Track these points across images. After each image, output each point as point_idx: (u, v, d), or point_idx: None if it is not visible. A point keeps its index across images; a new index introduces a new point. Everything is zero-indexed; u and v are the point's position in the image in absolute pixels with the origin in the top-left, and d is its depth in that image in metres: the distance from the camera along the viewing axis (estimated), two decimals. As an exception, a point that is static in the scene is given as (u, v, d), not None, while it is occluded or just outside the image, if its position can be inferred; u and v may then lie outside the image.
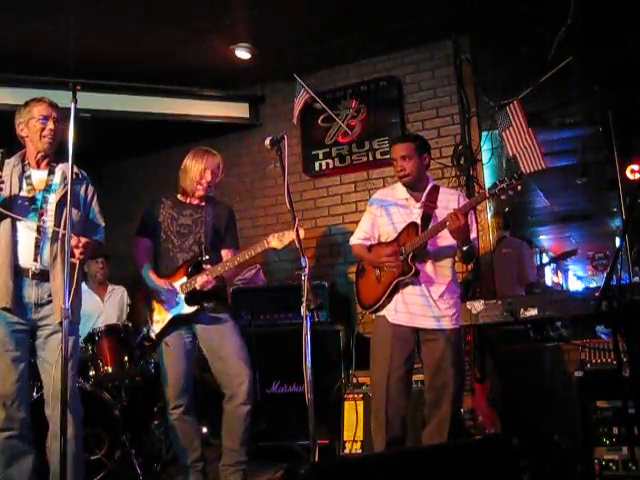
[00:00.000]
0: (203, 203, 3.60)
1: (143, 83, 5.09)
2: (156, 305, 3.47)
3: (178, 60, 4.91)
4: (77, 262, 2.79)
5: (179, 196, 3.63)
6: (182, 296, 3.40)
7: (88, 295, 4.76)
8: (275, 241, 3.19)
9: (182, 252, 3.49)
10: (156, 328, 3.44)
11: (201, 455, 3.44)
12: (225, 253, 3.55)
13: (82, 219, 3.05)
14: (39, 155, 3.04)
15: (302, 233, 2.95)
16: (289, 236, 3.12)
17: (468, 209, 3.10)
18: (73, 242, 2.79)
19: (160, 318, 3.44)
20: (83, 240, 2.87)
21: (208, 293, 3.39)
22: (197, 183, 3.51)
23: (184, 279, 3.41)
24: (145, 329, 3.50)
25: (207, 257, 3.41)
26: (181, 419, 3.40)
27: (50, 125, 2.98)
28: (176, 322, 3.42)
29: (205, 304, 3.40)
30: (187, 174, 3.54)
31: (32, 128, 2.99)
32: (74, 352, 2.96)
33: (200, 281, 3.32)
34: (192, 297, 3.38)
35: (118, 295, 4.97)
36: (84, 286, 4.79)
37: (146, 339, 3.54)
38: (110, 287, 5.00)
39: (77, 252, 2.83)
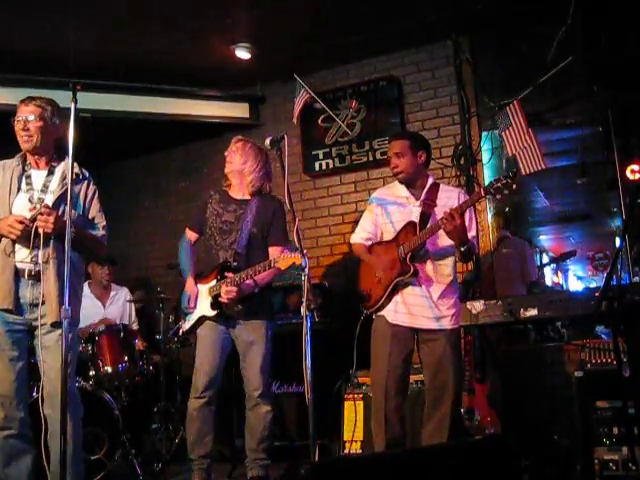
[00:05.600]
0: (248, 197, 3.55)
1: (143, 83, 5.09)
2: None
3: (178, 60, 4.92)
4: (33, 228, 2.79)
5: (227, 190, 3.62)
6: (209, 299, 3.45)
7: (90, 300, 4.76)
8: (279, 261, 3.12)
9: (223, 250, 3.49)
10: (186, 325, 3.57)
11: (209, 453, 3.45)
12: (272, 251, 3.47)
13: (80, 218, 3.00)
14: (28, 155, 3.02)
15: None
16: (289, 259, 3.03)
17: (464, 209, 3.07)
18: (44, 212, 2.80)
19: (191, 317, 3.55)
20: (45, 210, 2.82)
21: (235, 300, 3.39)
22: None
23: (213, 282, 3.45)
24: (178, 325, 3.78)
25: (236, 263, 3.42)
26: (201, 410, 3.41)
27: (20, 125, 2.95)
28: (205, 321, 3.48)
29: (229, 309, 3.42)
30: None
31: (15, 128, 2.98)
32: (72, 351, 2.95)
33: (224, 291, 3.35)
34: (216, 301, 3.42)
35: (121, 298, 4.96)
36: (86, 290, 4.80)
37: (176, 334, 4.08)
38: (113, 292, 4.98)
39: (42, 220, 2.80)
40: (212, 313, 3.43)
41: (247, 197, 3.55)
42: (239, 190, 3.58)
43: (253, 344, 3.44)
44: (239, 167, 3.54)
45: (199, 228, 3.64)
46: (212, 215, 3.56)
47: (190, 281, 3.56)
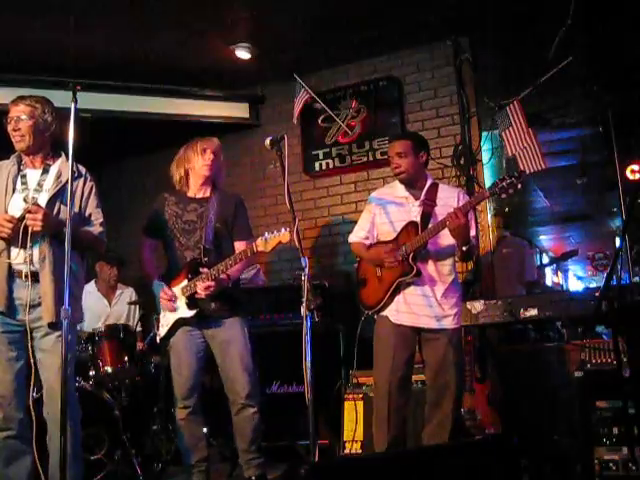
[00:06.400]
0: (208, 195, 3.49)
1: (143, 83, 5.09)
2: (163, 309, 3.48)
3: (178, 60, 4.92)
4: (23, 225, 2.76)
5: (183, 190, 3.53)
6: (184, 299, 3.35)
7: (96, 297, 4.80)
8: (262, 244, 3.10)
9: (188, 250, 3.41)
10: (162, 331, 3.45)
11: (206, 456, 3.43)
12: (238, 246, 3.41)
13: (74, 216, 2.87)
14: (23, 154, 3.00)
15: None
16: (274, 239, 3.06)
17: (468, 208, 3.08)
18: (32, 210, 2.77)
19: (165, 322, 3.43)
20: (33, 207, 2.79)
21: (211, 296, 3.32)
22: (202, 166, 3.46)
23: (185, 282, 3.35)
24: (153, 332, 3.59)
25: (206, 259, 3.34)
26: (188, 419, 3.39)
27: (11, 125, 2.94)
28: (181, 325, 3.39)
29: (205, 307, 3.34)
30: (186, 162, 3.51)
31: (8, 129, 2.97)
32: (71, 352, 2.91)
33: (201, 286, 3.27)
34: (192, 301, 3.33)
35: (127, 297, 4.96)
36: (93, 287, 4.82)
37: (153, 341, 3.75)
38: (119, 291, 4.99)
39: (30, 217, 2.76)
40: (190, 313, 3.33)
41: (206, 195, 3.50)
42: (199, 190, 3.51)
43: (231, 343, 3.35)
44: (216, 173, 3.52)
45: (155, 233, 3.53)
46: (172, 217, 3.47)
47: (157, 285, 3.45)
